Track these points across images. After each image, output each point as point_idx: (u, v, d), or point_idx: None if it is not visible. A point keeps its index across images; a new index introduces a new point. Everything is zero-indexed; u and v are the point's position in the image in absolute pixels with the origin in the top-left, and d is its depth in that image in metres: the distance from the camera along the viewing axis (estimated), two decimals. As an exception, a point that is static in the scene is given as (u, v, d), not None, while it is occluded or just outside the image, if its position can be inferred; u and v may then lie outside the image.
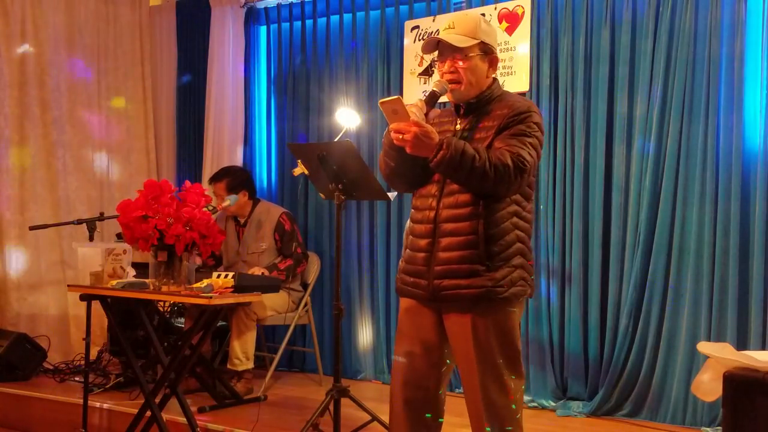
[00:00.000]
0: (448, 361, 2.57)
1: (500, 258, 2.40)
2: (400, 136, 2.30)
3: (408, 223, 2.65)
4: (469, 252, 2.39)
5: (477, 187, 2.37)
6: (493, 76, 2.56)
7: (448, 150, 2.28)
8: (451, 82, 2.48)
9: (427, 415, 2.55)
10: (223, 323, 4.52)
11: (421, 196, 2.55)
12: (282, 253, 4.75)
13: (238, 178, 4.72)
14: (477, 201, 2.40)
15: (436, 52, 2.54)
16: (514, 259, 2.42)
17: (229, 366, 4.45)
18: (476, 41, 2.47)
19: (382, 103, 2.30)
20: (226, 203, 4.48)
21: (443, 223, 2.44)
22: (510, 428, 2.43)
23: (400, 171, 2.53)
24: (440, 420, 2.59)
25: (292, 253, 4.71)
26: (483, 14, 4.37)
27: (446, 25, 2.52)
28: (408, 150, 2.32)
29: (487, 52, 2.51)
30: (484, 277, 2.38)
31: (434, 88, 2.49)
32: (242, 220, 4.78)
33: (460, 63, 2.46)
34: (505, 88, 2.68)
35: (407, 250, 2.58)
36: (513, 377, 2.44)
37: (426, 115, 2.41)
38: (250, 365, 4.46)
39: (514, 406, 2.44)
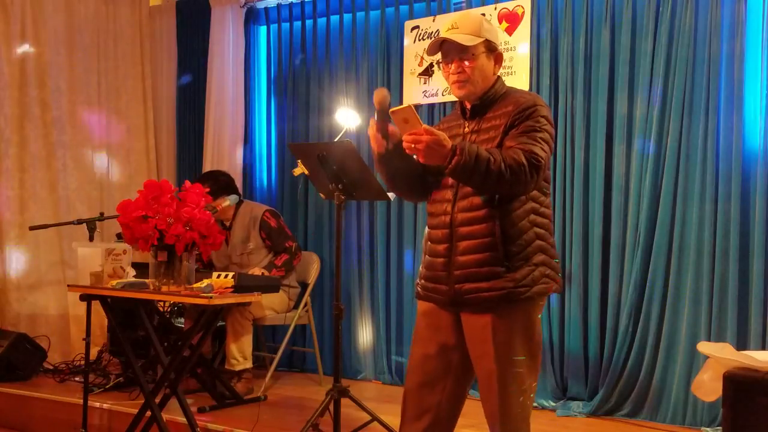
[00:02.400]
0: (467, 369, 2.52)
1: (520, 257, 2.38)
2: (413, 146, 2.27)
3: (426, 230, 2.64)
4: (487, 254, 2.37)
5: (494, 190, 2.34)
6: (498, 73, 2.54)
7: (461, 156, 2.24)
8: (457, 81, 2.46)
9: (441, 420, 2.53)
10: (223, 323, 4.52)
11: (435, 201, 2.53)
12: (274, 250, 4.75)
13: (220, 183, 4.70)
14: (492, 202, 2.37)
15: (439, 54, 2.52)
16: (534, 257, 2.40)
17: (226, 366, 4.46)
18: (481, 39, 2.45)
19: (392, 111, 2.26)
20: (227, 203, 4.48)
21: (459, 227, 2.42)
22: (523, 428, 2.43)
23: (395, 178, 2.53)
24: (453, 424, 2.57)
25: (286, 248, 4.72)
26: (482, 14, 4.37)
27: (449, 26, 2.49)
28: (421, 159, 2.29)
29: (492, 49, 2.49)
30: (504, 279, 2.36)
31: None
32: (227, 224, 4.78)
33: (467, 63, 2.44)
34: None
35: (426, 256, 2.56)
36: (529, 375, 2.42)
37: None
38: (249, 365, 4.46)
39: (527, 406, 2.43)
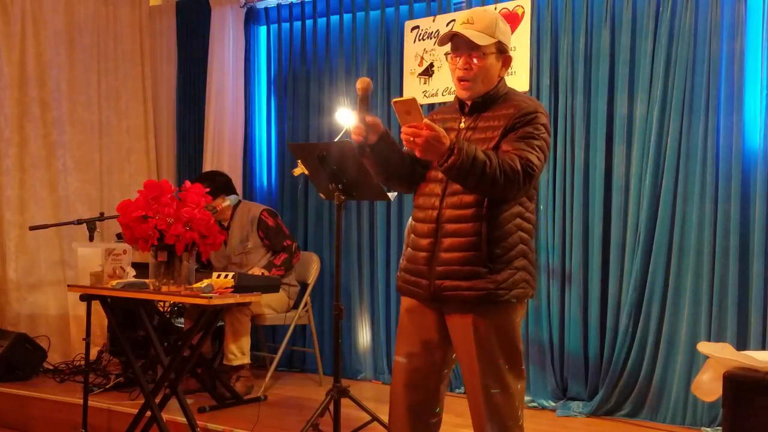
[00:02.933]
0: (449, 361, 2.55)
1: (502, 260, 2.38)
2: (411, 139, 2.27)
3: (410, 221, 2.63)
4: (471, 254, 2.37)
5: (486, 192, 2.34)
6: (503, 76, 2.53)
7: (459, 155, 2.24)
8: (462, 78, 2.45)
9: (427, 415, 2.55)
10: (223, 323, 4.52)
11: (423, 194, 2.52)
12: (273, 249, 4.75)
13: (218, 183, 4.70)
14: (481, 202, 2.37)
15: (449, 46, 2.50)
16: (516, 261, 2.40)
17: (224, 362, 4.46)
18: (494, 40, 2.43)
19: (395, 102, 2.26)
20: (227, 203, 4.48)
21: (446, 223, 2.42)
22: (511, 428, 2.43)
23: (389, 174, 2.53)
24: (438, 417, 2.59)
25: (284, 246, 4.72)
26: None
27: (464, 19, 2.46)
28: (418, 154, 2.29)
29: (502, 51, 2.48)
30: (485, 280, 2.37)
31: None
32: (225, 224, 4.77)
33: (476, 61, 2.43)
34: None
35: (408, 249, 2.56)
36: (514, 377, 2.44)
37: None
38: (246, 360, 4.46)
39: (515, 406, 2.44)
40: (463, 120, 2.51)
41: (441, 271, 2.42)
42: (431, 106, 4.76)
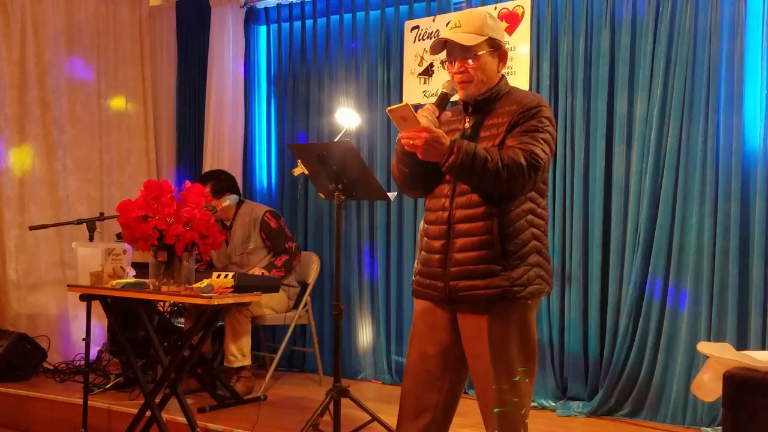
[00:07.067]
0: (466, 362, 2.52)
1: (516, 257, 2.38)
2: (411, 142, 2.28)
3: (422, 224, 2.63)
4: (484, 252, 2.37)
5: (491, 189, 2.34)
6: (503, 71, 2.53)
7: (459, 153, 2.25)
8: (461, 81, 2.46)
9: (439, 416, 2.52)
10: (223, 323, 4.52)
11: (433, 196, 2.52)
12: (274, 250, 4.75)
13: (222, 182, 4.70)
14: (491, 200, 2.37)
15: (444, 52, 2.51)
16: (530, 258, 2.40)
17: (225, 364, 4.46)
18: (484, 38, 2.43)
19: (390, 110, 2.27)
20: (226, 203, 4.48)
21: (457, 224, 2.42)
22: (519, 426, 2.43)
23: (415, 176, 2.50)
24: (449, 422, 2.57)
25: (285, 248, 4.72)
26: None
27: (453, 24, 2.48)
28: (419, 156, 2.31)
29: (496, 47, 2.47)
30: (500, 277, 2.36)
31: (444, 90, 2.45)
32: (228, 223, 4.78)
33: (470, 62, 2.43)
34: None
35: (422, 252, 2.55)
36: (525, 376, 2.43)
37: (438, 118, 2.38)
38: (247, 362, 4.46)
39: (524, 405, 2.43)
40: (467, 120, 2.51)
41: (455, 271, 2.41)
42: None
